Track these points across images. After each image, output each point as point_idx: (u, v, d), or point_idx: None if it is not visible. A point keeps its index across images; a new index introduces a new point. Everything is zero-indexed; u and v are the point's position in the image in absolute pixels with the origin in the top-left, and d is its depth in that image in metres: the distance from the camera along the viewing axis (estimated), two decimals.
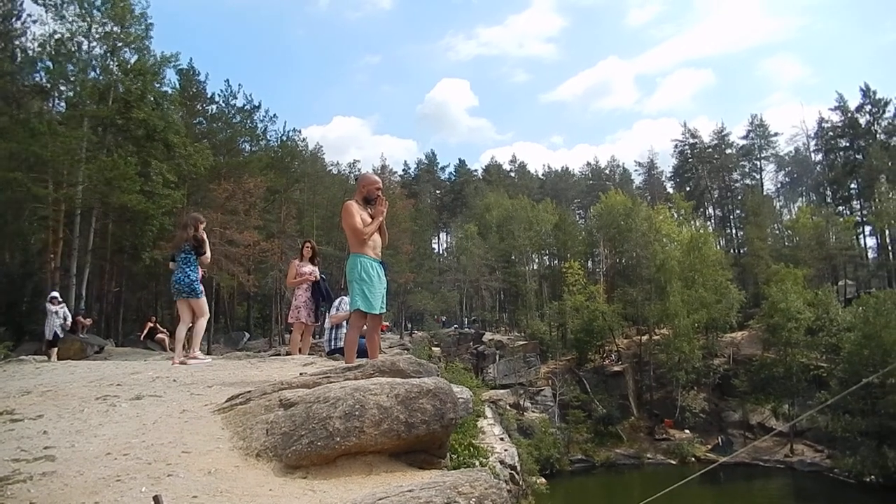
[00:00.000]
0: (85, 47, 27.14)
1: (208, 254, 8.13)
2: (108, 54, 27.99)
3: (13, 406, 4.62)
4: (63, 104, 29.19)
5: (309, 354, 8.80)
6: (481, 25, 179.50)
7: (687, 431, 42.21)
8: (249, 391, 4.06)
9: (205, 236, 8.12)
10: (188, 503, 2.50)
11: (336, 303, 8.26)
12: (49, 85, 27.83)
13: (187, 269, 7.98)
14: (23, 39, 27.77)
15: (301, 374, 4.65)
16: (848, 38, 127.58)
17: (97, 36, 27.21)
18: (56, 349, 14.30)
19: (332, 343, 8.13)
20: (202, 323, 8.22)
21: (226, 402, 4.11)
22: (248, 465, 3.06)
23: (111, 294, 33.58)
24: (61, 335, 14.86)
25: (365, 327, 5.65)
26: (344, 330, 7.07)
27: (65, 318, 15.02)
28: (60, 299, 15.43)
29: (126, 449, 3.28)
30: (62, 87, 28.20)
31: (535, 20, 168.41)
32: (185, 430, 3.62)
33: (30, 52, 27.36)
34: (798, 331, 40.61)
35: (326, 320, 8.69)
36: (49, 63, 26.50)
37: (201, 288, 8.12)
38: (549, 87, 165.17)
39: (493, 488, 2.42)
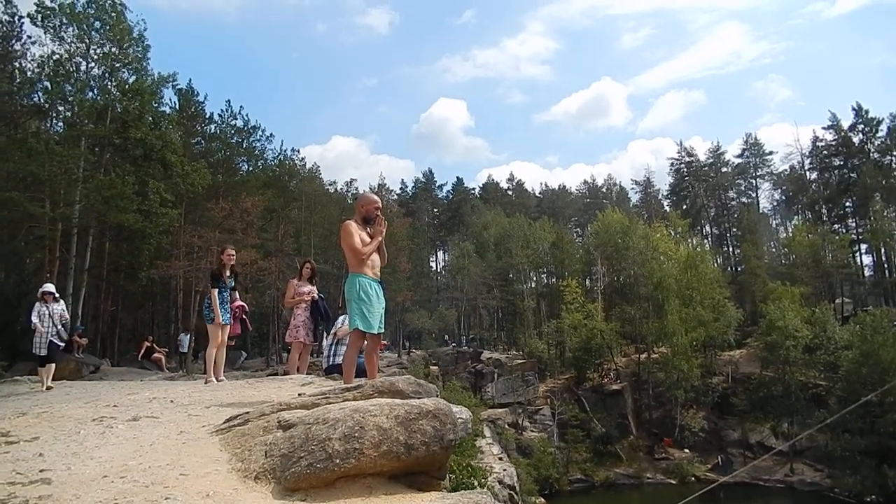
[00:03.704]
0: (83, 68, 27.28)
1: (225, 285, 8.81)
2: (107, 75, 28.14)
3: (8, 428, 4.58)
4: (61, 124, 29.27)
5: (307, 374, 8.77)
6: (476, 48, 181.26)
7: (686, 451, 41.93)
8: (248, 412, 4.04)
9: (221, 267, 8.89)
10: None
11: (340, 321, 8.25)
12: (47, 105, 27.92)
13: (207, 298, 8.83)
14: (22, 61, 27.91)
15: (300, 394, 4.63)
16: (836, 60, 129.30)
17: (95, 57, 27.37)
18: (52, 367, 10.26)
19: (331, 359, 8.11)
20: (208, 349, 8.78)
21: (224, 423, 4.09)
22: (246, 487, 3.03)
23: (107, 313, 33.38)
24: (60, 345, 10.52)
25: (364, 346, 5.65)
26: (344, 347, 7.05)
27: (62, 324, 10.48)
28: (57, 294, 10.73)
29: (123, 471, 3.25)
30: (60, 107, 28.27)
31: (529, 43, 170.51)
32: (182, 452, 3.60)
33: (28, 73, 27.49)
34: (796, 349, 40.55)
35: (325, 339, 8.68)
36: (47, 83, 26.60)
37: (211, 315, 8.62)
38: (543, 108, 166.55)
39: None
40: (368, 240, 5.45)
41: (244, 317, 9.14)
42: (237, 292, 9.16)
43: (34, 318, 10.03)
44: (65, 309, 10.64)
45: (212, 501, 2.80)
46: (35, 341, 10.05)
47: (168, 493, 2.87)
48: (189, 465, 3.33)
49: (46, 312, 10.06)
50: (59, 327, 10.36)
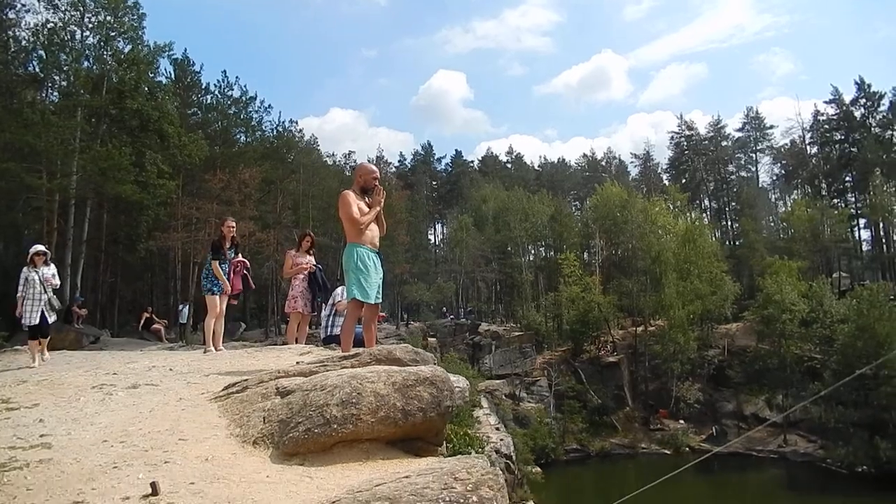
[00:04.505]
0: (78, 37, 26.98)
1: (225, 257, 8.88)
2: (102, 44, 27.81)
3: (9, 395, 4.61)
4: (56, 94, 29.03)
5: (305, 344, 8.81)
6: (477, 19, 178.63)
7: (681, 422, 42.45)
8: (246, 380, 4.07)
9: (222, 239, 8.94)
10: (185, 489, 2.50)
11: (338, 292, 8.25)
12: (42, 74, 27.65)
13: (207, 267, 8.85)
14: (16, 30, 27.51)
15: (298, 363, 4.65)
16: (840, 34, 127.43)
17: (90, 25, 27.03)
18: (45, 340, 8.70)
19: (329, 330, 8.15)
20: (206, 319, 8.85)
21: (222, 390, 4.12)
22: (245, 452, 3.06)
23: (106, 285, 33.46)
24: (52, 318, 8.78)
25: (362, 317, 5.66)
26: (342, 318, 7.08)
27: (52, 290, 8.82)
28: (50, 255, 9.16)
29: (123, 437, 3.28)
30: (55, 77, 28.01)
31: (530, 14, 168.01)
32: (181, 419, 3.63)
33: (23, 42, 27.14)
34: (792, 322, 40.80)
35: (323, 310, 8.70)
36: (42, 52, 26.33)
37: (208, 286, 8.74)
38: (543, 80, 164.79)
39: (490, 474, 2.42)
40: (367, 210, 5.42)
41: (245, 272, 9.13)
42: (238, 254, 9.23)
43: (20, 287, 8.54)
44: (55, 273, 8.94)
45: (210, 465, 2.83)
46: (23, 312, 8.47)
47: (167, 458, 2.90)
48: (188, 430, 3.36)
49: (36, 278, 8.50)
50: (50, 295, 8.69)
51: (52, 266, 9.04)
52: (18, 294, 8.49)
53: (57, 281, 8.86)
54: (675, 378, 43.54)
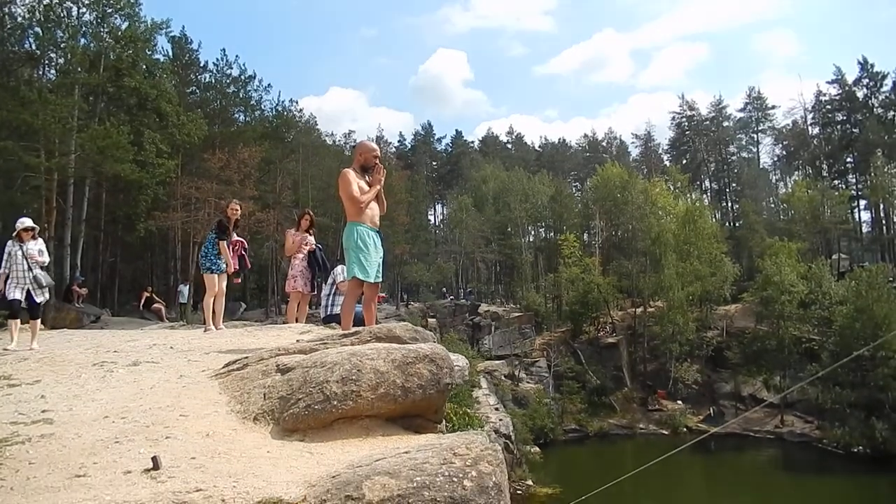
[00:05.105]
0: (75, 13, 26.66)
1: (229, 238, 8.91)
2: (99, 21, 27.53)
3: (10, 372, 4.64)
4: (53, 72, 28.76)
5: (305, 323, 8.84)
6: None
7: (679, 402, 42.73)
8: (246, 357, 4.08)
9: (227, 221, 8.91)
10: (186, 464, 2.52)
11: (338, 271, 8.23)
12: (39, 52, 27.35)
13: (206, 247, 8.90)
14: (12, 6, 27.18)
15: (298, 340, 4.67)
16: (843, 14, 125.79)
17: (87, 2, 26.71)
18: (37, 323, 7.72)
19: (329, 309, 8.17)
20: (205, 298, 8.87)
21: (223, 367, 4.13)
22: (245, 428, 3.08)
23: (106, 264, 33.53)
24: (40, 297, 7.95)
25: (362, 296, 5.66)
26: (342, 297, 7.09)
27: (40, 265, 8.03)
28: (37, 229, 8.28)
29: (124, 412, 3.30)
30: (52, 55, 27.75)
31: None
32: (182, 395, 3.64)
33: (18, 19, 26.82)
34: (791, 304, 40.84)
35: (323, 289, 8.71)
36: (38, 30, 26.03)
37: (208, 265, 8.76)
38: (544, 60, 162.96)
39: (490, 450, 2.44)
40: (367, 188, 5.39)
41: (243, 252, 9.13)
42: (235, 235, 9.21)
43: (3, 262, 7.80)
44: (42, 250, 8.09)
45: (211, 441, 2.84)
46: (6, 289, 7.72)
47: (168, 433, 2.92)
48: (189, 406, 3.38)
49: (20, 253, 7.71)
50: (36, 272, 7.86)
51: (40, 241, 8.27)
52: (0, 271, 7.76)
53: (44, 258, 8.07)
54: (674, 359, 43.72)
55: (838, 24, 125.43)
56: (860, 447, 34.18)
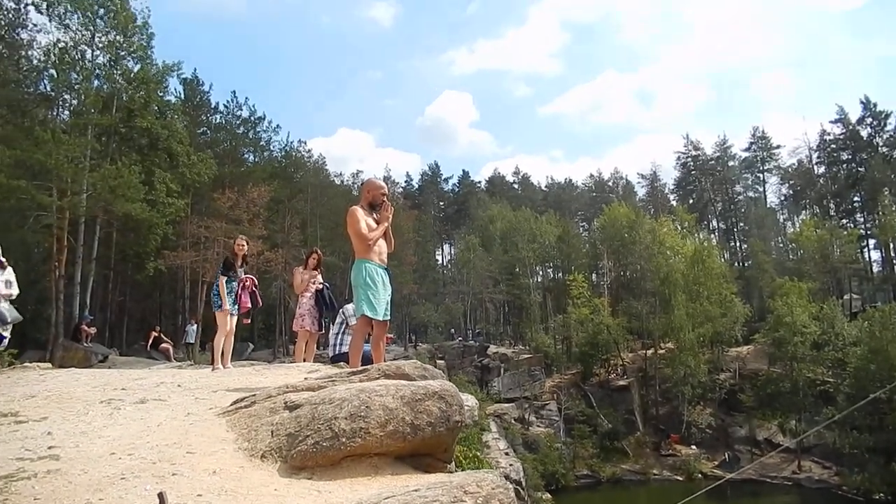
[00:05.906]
0: (88, 56, 27.38)
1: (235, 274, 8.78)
2: (112, 63, 28.26)
3: (17, 409, 4.61)
4: (67, 113, 29.42)
5: (314, 363, 8.79)
6: (482, 39, 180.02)
7: (693, 447, 41.83)
8: (254, 394, 4.05)
9: (232, 257, 8.86)
10: (193, 501, 2.48)
11: (349, 308, 8.19)
12: (53, 93, 28.07)
13: (216, 285, 8.72)
14: (28, 49, 27.98)
15: (306, 378, 4.64)
16: (844, 54, 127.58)
17: (100, 45, 27.46)
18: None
19: (338, 348, 8.13)
20: (216, 337, 8.74)
21: (231, 405, 4.10)
22: (252, 465, 3.04)
23: (115, 303, 33.64)
24: (5, 335, 7.35)
25: (370, 334, 5.63)
26: (350, 337, 7.05)
27: (7, 299, 7.37)
28: (5, 262, 7.46)
29: (130, 449, 3.27)
30: (66, 96, 28.43)
31: (534, 35, 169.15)
32: (189, 432, 3.61)
33: (34, 61, 27.59)
34: (804, 345, 40.30)
35: (332, 328, 8.69)
36: (53, 72, 26.74)
37: (219, 302, 8.61)
38: (548, 100, 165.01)
39: (500, 488, 2.39)
40: (375, 225, 5.42)
41: (254, 289, 9.10)
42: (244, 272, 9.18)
43: None
44: (10, 281, 7.34)
45: (218, 478, 2.81)
46: None
47: (175, 470, 2.89)
48: (196, 444, 3.34)
49: None
50: (1, 307, 7.17)
51: (9, 270, 7.46)
52: None
53: (11, 290, 7.34)
54: (686, 402, 43.01)
55: (839, 63, 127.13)
56: (881, 493, 33.19)
